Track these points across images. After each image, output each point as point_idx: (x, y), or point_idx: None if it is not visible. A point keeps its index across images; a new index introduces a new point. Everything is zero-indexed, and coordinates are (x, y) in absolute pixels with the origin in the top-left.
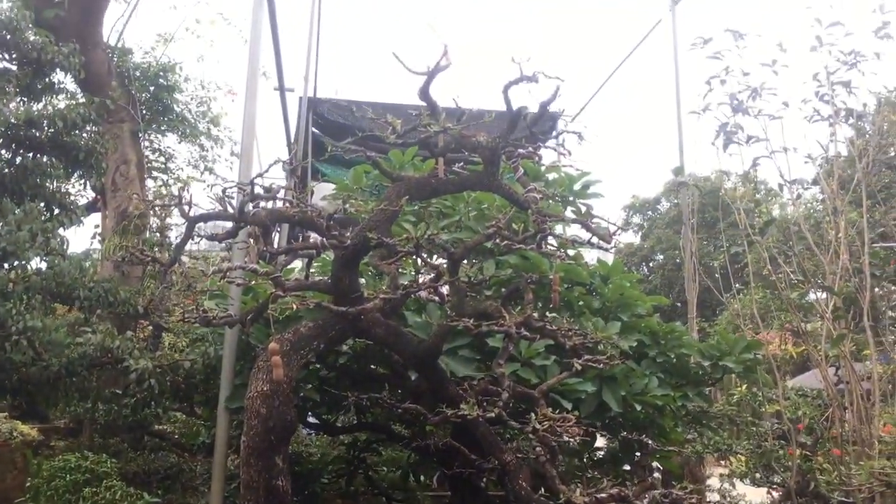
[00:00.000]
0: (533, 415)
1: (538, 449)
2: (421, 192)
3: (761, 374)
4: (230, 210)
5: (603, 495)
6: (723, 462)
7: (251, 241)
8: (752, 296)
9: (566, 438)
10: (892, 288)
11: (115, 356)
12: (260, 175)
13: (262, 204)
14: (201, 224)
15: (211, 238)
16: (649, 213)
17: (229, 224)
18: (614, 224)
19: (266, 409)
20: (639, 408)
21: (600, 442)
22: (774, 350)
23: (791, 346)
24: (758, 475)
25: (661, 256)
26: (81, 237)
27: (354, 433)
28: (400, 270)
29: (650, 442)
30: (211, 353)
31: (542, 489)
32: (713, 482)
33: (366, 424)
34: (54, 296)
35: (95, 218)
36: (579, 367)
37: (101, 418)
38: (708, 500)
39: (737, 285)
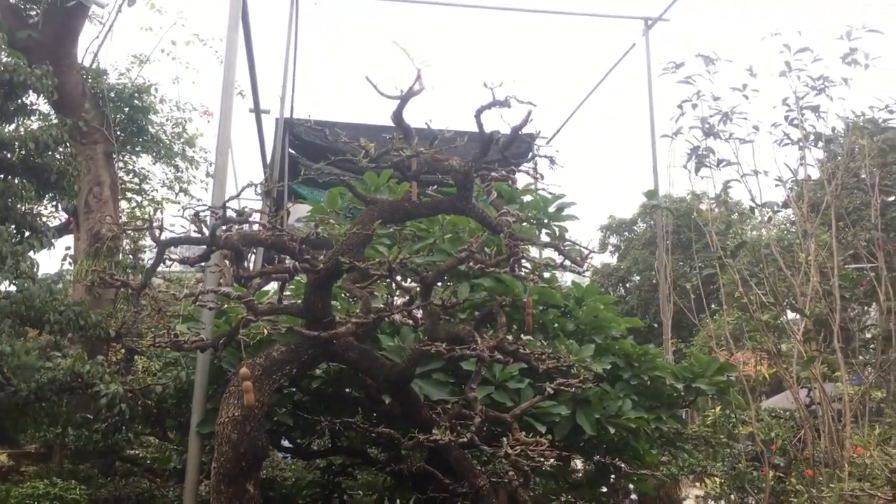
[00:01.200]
0: (505, 439)
1: (511, 473)
2: (394, 216)
3: (734, 396)
4: (203, 233)
5: None
6: (698, 484)
7: (226, 263)
8: (724, 318)
9: (539, 462)
10: (863, 309)
11: (85, 381)
12: (232, 198)
13: (236, 227)
14: (173, 248)
15: (183, 261)
16: (626, 233)
17: (202, 247)
18: (587, 248)
19: (237, 435)
20: (613, 430)
21: (578, 464)
22: (749, 371)
23: (765, 368)
24: (732, 496)
25: (638, 277)
26: (53, 259)
27: (329, 457)
28: (373, 294)
29: (623, 465)
30: (183, 377)
31: None
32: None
33: (340, 448)
34: (24, 319)
35: (68, 240)
36: (552, 391)
37: (71, 443)
38: None
39: (712, 306)
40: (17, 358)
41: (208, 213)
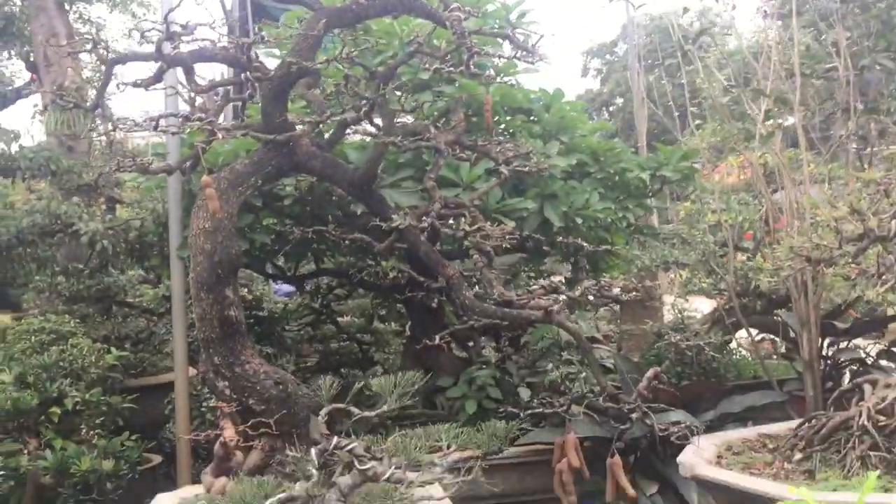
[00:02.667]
0: (462, 218)
1: (476, 256)
2: (342, 19)
3: (698, 181)
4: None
5: (534, 287)
6: (673, 286)
7: (180, 86)
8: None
9: (501, 242)
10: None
11: (63, 221)
12: (174, 9)
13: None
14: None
15: (136, 85)
16: (607, 56)
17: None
18: (539, 34)
19: (210, 245)
20: (580, 221)
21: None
22: (734, 181)
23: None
24: (704, 283)
25: (621, 100)
26: (22, 119)
27: (314, 279)
28: (329, 100)
29: (585, 244)
30: (160, 209)
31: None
32: (667, 298)
33: (325, 270)
34: None
35: (36, 99)
36: (506, 174)
37: (65, 290)
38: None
39: (696, 122)
40: None
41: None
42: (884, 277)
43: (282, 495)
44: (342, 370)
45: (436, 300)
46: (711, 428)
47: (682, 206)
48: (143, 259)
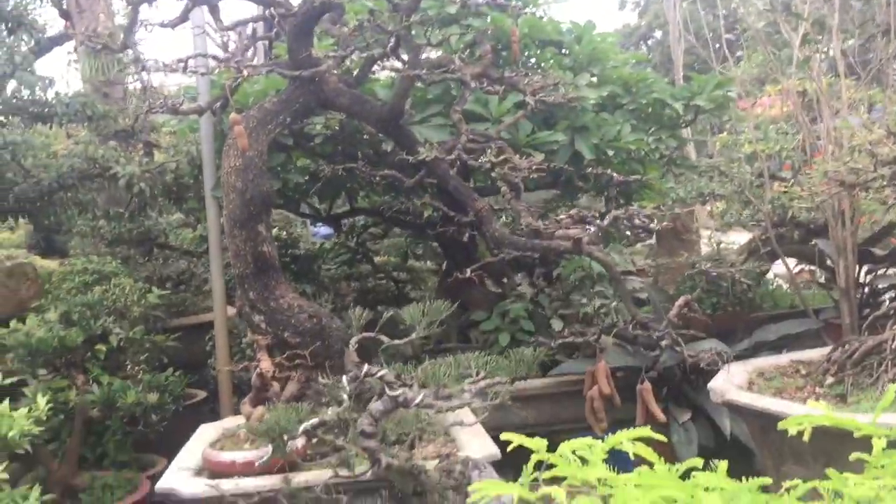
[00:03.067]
0: (487, 150)
1: (504, 188)
2: None
3: (733, 111)
4: None
5: (562, 217)
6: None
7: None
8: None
9: (528, 174)
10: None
11: (101, 165)
12: None
13: None
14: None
15: (163, 25)
16: None
17: None
18: None
19: (241, 183)
20: (611, 153)
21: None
22: (777, 113)
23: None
24: (743, 214)
25: (659, 33)
26: (58, 67)
27: (349, 218)
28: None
29: (615, 175)
30: (194, 151)
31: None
32: (704, 232)
33: (359, 209)
34: (33, 116)
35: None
36: (532, 104)
37: (107, 234)
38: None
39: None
40: (33, 151)
41: None
42: None
43: (314, 420)
44: (378, 307)
45: (467, 235)
46: (745, 357)
47: (719, 137)
48: (181, 201)
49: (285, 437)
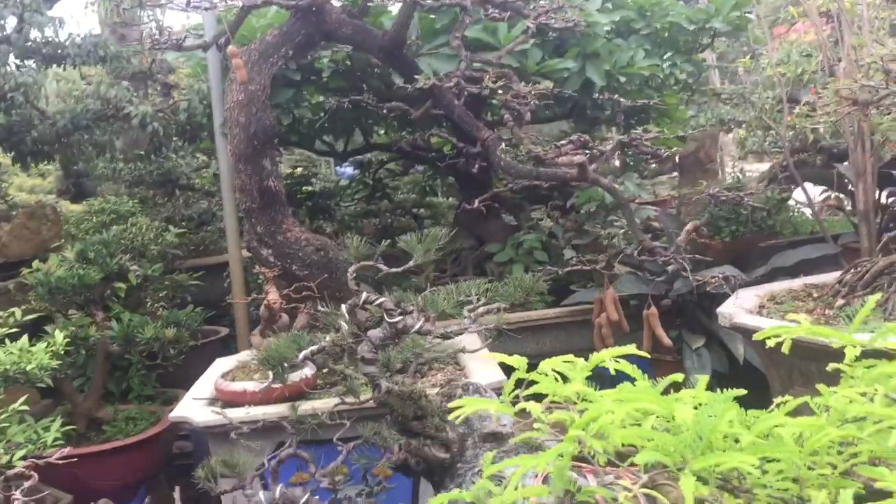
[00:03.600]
0: (486, 76)
1: (506, 116)
2: None
3: (751, 33)
4: None
5: (563, 142)
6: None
7: None
8: None
9: (532, 101)
10: None
11: (114, 105)
12: None
13: None
14: None
15: None
16: None
17: None
18: None
19: (245, 117)
20: (623, 79)
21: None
22: (812, 40)
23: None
24: (766, 142)
25: None
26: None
27: (364, 154)
28: None
29: (622, 100)
30: (204, 88)
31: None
32: (728, 160)
33: (374, 145)
34: (46, 58)
35: None
36: (533, 28)
37: (127, 175)
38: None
39: None
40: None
41: None
42: None
43: (313, 347)
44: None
45: (476, 166)
46: (762, 283)
47: (742, 61)
48: (195, 140)
49: (285, 365)
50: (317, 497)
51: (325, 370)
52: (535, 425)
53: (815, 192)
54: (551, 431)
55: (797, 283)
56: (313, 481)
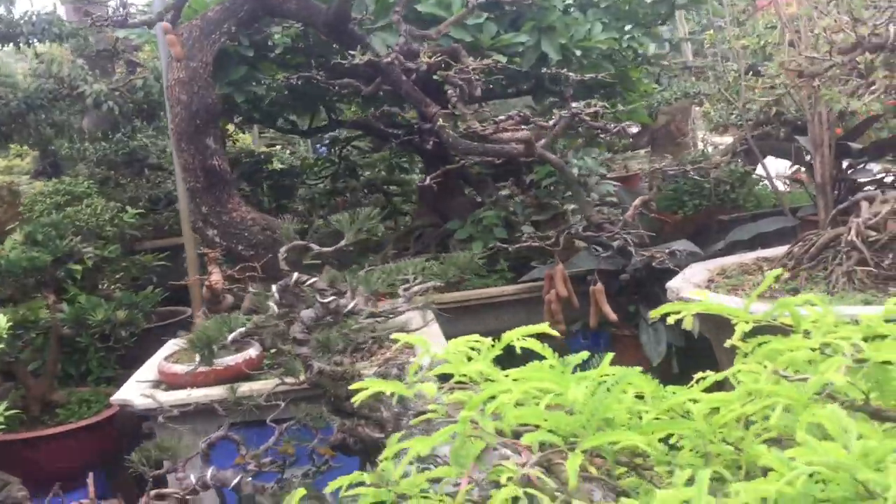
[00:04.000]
0: (422, 52)
1: (450, 92)
2: None
3: (712, 5)
4: None
5: (502, 118)
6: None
7: None
8: None
9: (477, 81)
10: None
11: (69, 84)
12: None
13: None
14: None
15: None
16: None
17: None
18: None
19: (186, 96)
20: (579, 53)
21: None
22: (793, 12)
23: None
24: (732, 116)
25: None
26: None
27: (329, 132)
28: None
29: (571, 74)
30: (160, 66)
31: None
32: (699, 134)
33: (337, 122)
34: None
35: None
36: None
37: (92, 156)
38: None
39: None
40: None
41: None
42: (873, 87)
43: (241, 329)
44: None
45: (431, 142)
46: (719, 256)
47: (707, 34)
48: (154, 119)
49: (214, 347)
50: (250, 479)
51: (272, 350)
52: (430, 406)
53: (780, 165)
54: (448, 412)
55: (750, 256)
56: (248, 464)
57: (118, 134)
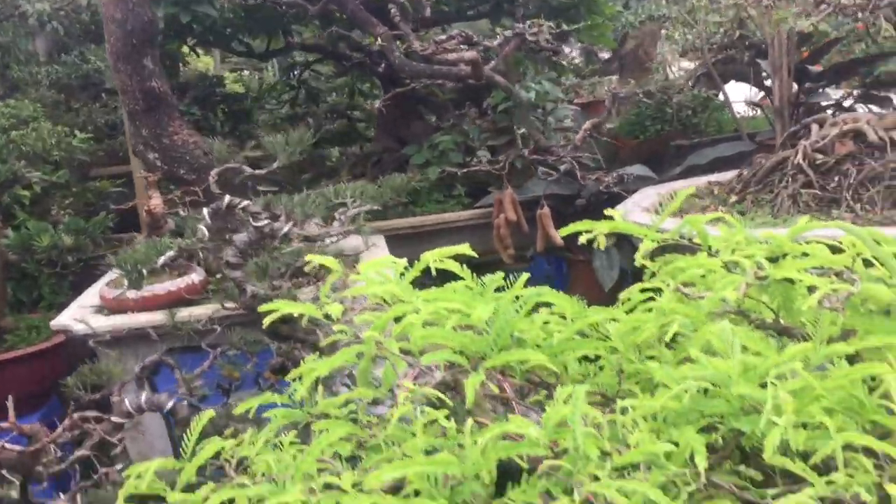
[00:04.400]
0: None
1: (392, 10)
2: None
3: None
4: None
5: (442, 37)
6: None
7: None
8: None
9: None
10: None
11: (10, 3)
12: None
13: None
14: None
15: None
16: None
17: None
18: None
19: (121, 13)
20: None
21: None
22: None
23: None
24: (695, 38)
25: None
26: None
27: (285, 55)
28: None
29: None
30: None
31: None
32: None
33: (293, 45)
34: None
35: None
36: None
37: (44, 79)
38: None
39: None
40: None
41: None
42: (821, 7)
43: (170, 253)
44: (336, 147)
45: (382, 65)
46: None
47: None
48: (103, 41)
49: (142, 271)
50: (184, 403)
51: (218, 275)
52: (335, 328)
53: (744, 89)
54: (356, 333)
55: (703, 180)
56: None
57: (69, 57)
